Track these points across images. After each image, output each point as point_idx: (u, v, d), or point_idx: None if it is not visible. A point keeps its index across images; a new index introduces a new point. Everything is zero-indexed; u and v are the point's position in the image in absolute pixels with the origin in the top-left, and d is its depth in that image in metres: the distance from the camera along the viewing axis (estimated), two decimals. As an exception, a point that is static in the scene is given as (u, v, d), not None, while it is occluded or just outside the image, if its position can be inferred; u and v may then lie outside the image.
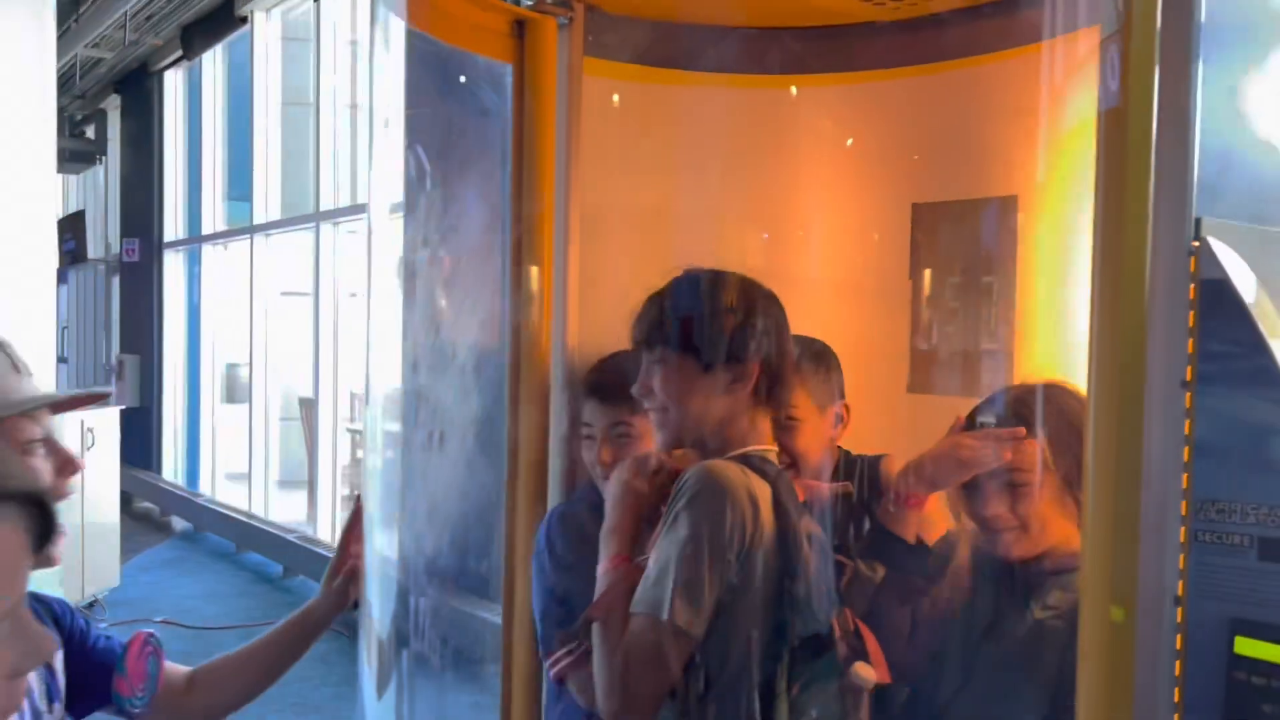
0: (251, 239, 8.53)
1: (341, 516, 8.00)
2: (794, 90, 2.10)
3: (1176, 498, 1.21)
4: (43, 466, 1.26)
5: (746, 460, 1.45)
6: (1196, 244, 1.21)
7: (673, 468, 1.50)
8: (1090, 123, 1.79)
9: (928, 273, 2.04)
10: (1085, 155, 1.81)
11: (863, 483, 1.69)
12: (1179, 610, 1.21)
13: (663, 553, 1.38)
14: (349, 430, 8.44)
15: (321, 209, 7.43)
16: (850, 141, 2.10)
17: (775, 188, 2.12)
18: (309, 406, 8.41)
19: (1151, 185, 1.19)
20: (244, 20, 8.49)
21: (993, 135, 1.95)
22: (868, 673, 1.31)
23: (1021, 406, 1.58)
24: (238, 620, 6.33)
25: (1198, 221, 1.21)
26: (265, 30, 8.49)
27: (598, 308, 1.99)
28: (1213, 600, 1.20)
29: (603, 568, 1.45)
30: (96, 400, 1.48)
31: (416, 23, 1.85)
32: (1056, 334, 1.87)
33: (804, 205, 2.13)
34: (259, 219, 8.60)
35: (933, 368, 2.04)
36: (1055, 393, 1.62)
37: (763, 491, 1.42)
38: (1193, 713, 1.20)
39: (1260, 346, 1.18)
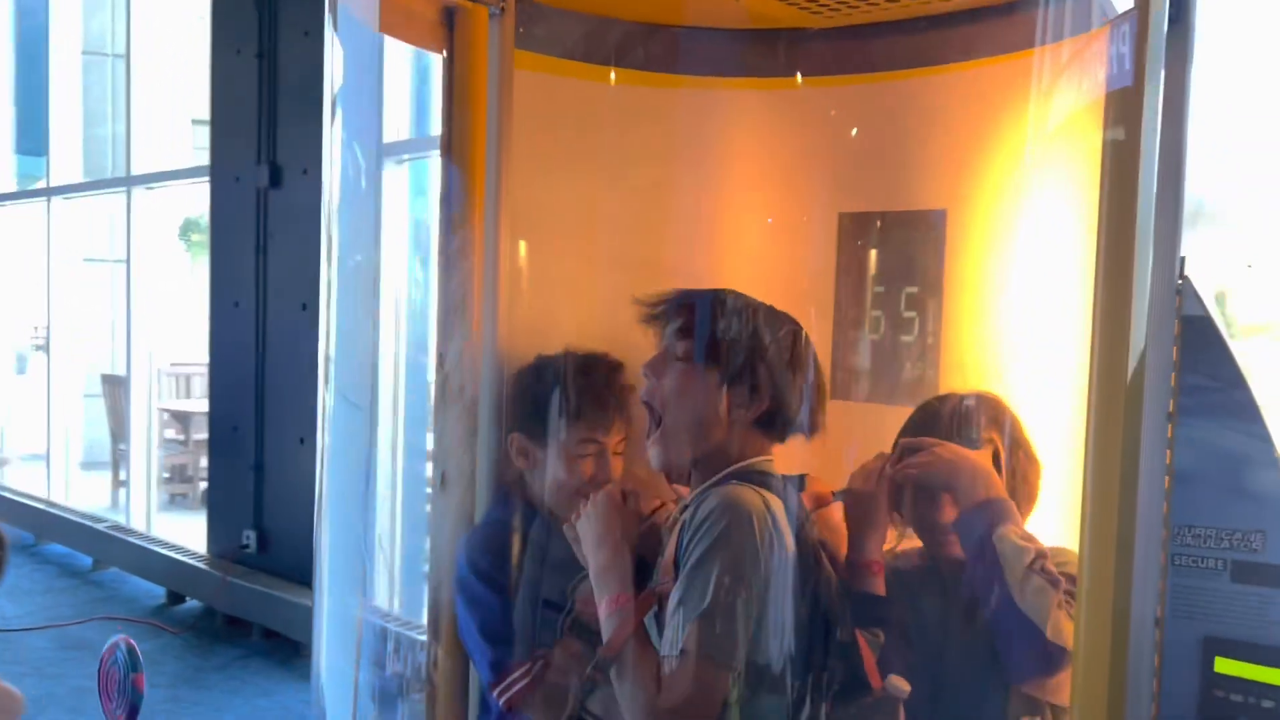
0: (49, 201, 7.79)
1: (159, 500, 7.51)
2: (724, 93, 2.07)
3: (1159, 523, 1.27)
4: None
5: (749, 476, 1.43)
6: (1181, 281, 1.27)
7: (645, 494, 1.47)
8: (1020, 142, 1.86)
9: (852, 281, 2.07)
10: (1014, 173, 1.89)
11: None
12: (1157, 631, 1.27)
13: (702, 592, 1.36)
14: (161, 410, 7.91)
15: (134, 172, 6.86)
16: (779, 147, 2.09)
17: (704, 189, 2.09)
18: (115, 384, 7.81)
19: (1152, 213, 1.24)
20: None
21: (923, 149, 1.98)
22: (902, 683, 1.32)
23: (980, 416, 1.65)
24: (44, 620, 5.84)
25: (1182, 260, 1.27)
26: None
27: (527, 308, 1.92)
28: (1188, 620, 1.27)
29: (606, 610, 1.40)
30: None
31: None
32: (980, 344, 1.94)
33: (732, 208, 2.11)
34: (57, 180, 7.87)
35: (854, 374, 2.07)
36: (998, 405, 1.69)
37: (777, 506, 1.41)
38: (1168, 726, 1.27)
39: (1238, 381, 1.25)
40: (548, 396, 1.75)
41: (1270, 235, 1.57)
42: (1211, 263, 1.30)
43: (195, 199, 10.65)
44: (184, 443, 8.20)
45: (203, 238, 10.44)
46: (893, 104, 2.00)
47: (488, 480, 1.84)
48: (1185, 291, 1.27)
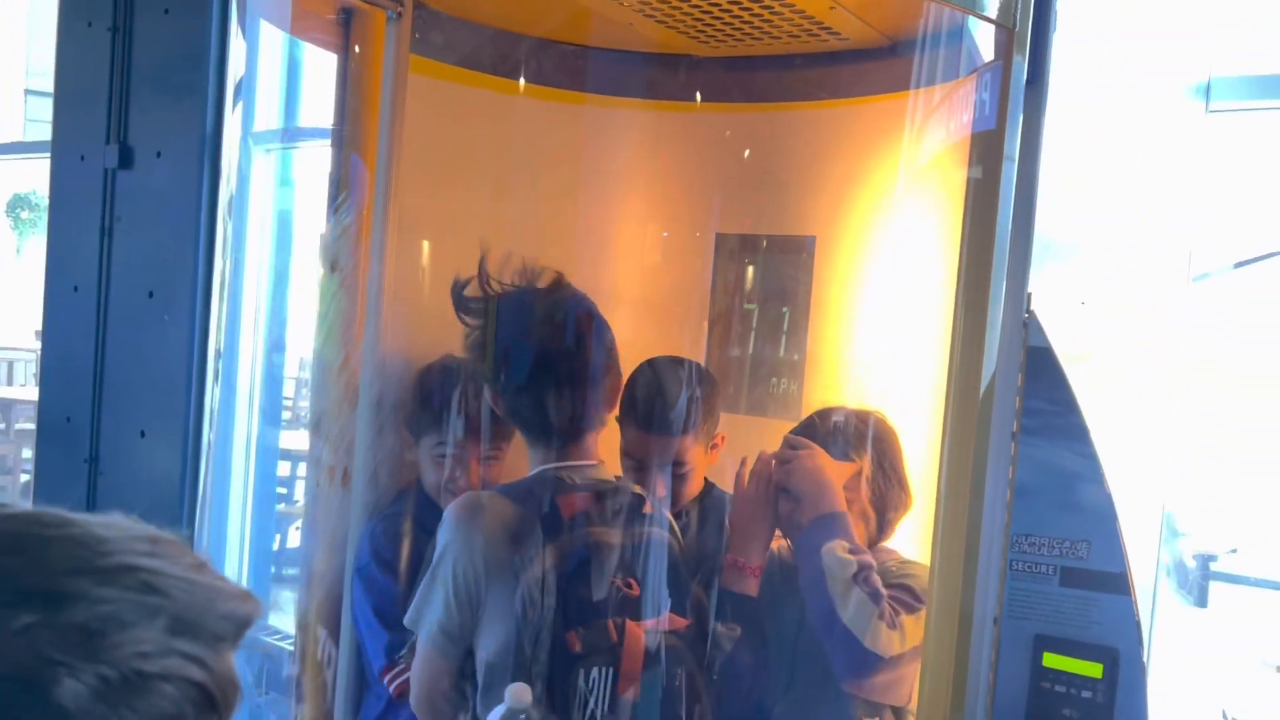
0: None
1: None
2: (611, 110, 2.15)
3: (1000, 533, 1.41)
4: None
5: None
6: (1028, 315, 1.41)
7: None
8: (890, 176, 2.01)
9: (727, 298, 2.18)
10: (883, 205, 2.03)
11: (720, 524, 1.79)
12: (996, 629, 1.41)
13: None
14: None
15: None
16: (657, 167, 2.18)
17: (594, 202, 2.16)
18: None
19: (1007, 249, 1.38)
20: None
21: (799, 177, 2.11)
22: (523, 693, 1.41)
23: (852, 433, 1.77)
24: None
25: (1029, 295, 1.42)
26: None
27: (412, 311, 1.94)
28: (1022, 620, 1.42)
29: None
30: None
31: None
32: (845, 363, 2.07)
33: (622, 221, 2.19)
34: None
35: (725, 388, 2.18)
36: (866, 420, 1.82)
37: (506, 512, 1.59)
38: (1001, 715, 1.41)
39: (1072, 406, 1.41)
40: (422, 401, 1.82)
41: (1102, 274, 1.75)
42: (1055, 297, 1.46)
43: (27, 175, 10.02)
44: (4, 431, 7.71)
45: (33, 215, 9.82)
46: (775, 133, 2.12)
47: (380, 475, 1.87)
48: (1031, 324, 1.41)
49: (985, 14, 1.31)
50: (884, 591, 1.56)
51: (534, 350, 1.68)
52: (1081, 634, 1.38)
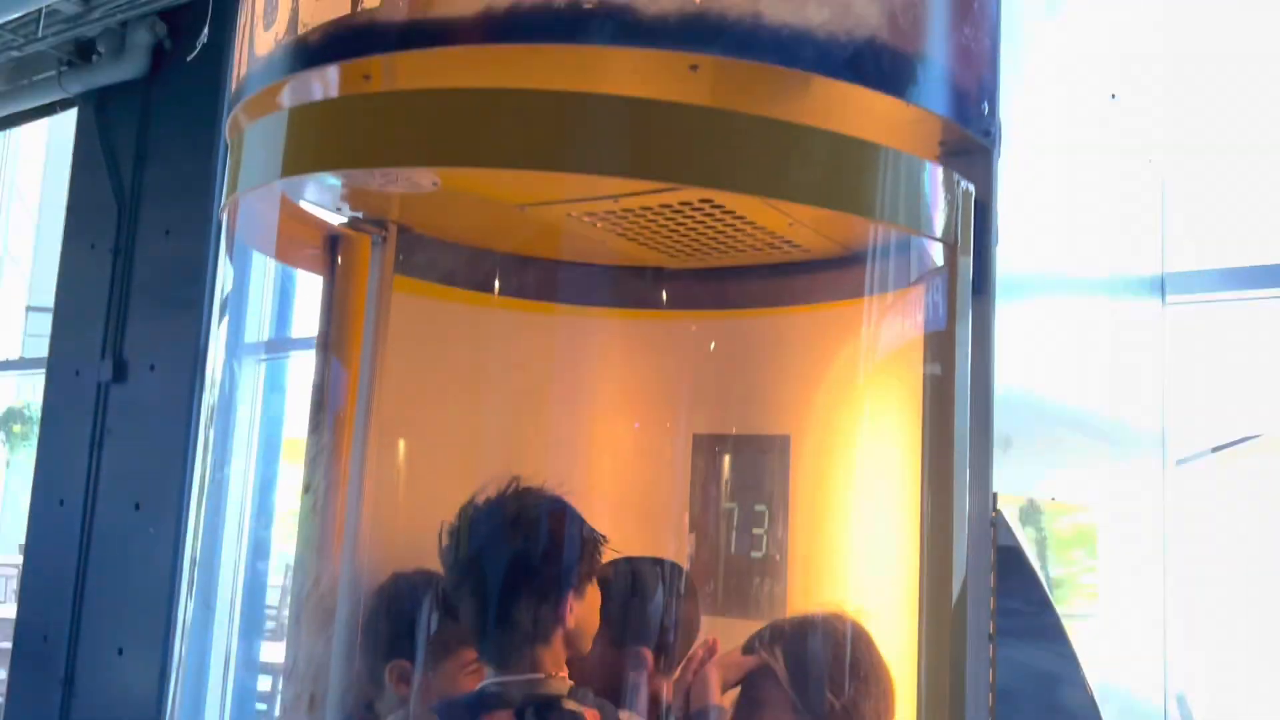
0: None
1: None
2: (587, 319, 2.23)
3: (985, 740, 1.38)
4: None
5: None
6: (995, 514, 1.43)
7: None
8: (856, 375, 2.06)
9: (705, 498, 2.19)
10: (850, 403, 2.08)
11: None
12: (990, 844, 1.36)
13: None
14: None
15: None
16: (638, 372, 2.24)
17: (567, 408, 2.20)
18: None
19: (967, 446, 1.41)
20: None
21: (769, 379, 2.17)
22: None
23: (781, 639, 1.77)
24: None
25: (994, 495, 1.44)
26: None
27: (393, 516, 1.95)
28: (1016, 833, 1.36)
29: None
30: None
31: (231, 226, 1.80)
32: (823, 562, 2.07)
33: (599, 425, 2.23)
34: None
35: (705, 588, 2.16)
36: (831, 623, 1.80)
37: None
38: None
39: (1046, 604, 1.40)
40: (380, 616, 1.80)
41: (1065, 465, 1.78)
42: (1019, 490, 1.48)
43: (22, 388, 10.13)
44: (-21, 652, 7.47)
45: (24, 429, 9.87)
46: (744, 337, 2.19)
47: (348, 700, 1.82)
48: (999, 523, 1.43)
49: (929, 233, 1.39)
50: None
51: (482, 557, 1.68)
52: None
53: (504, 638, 1.61)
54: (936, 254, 1.61)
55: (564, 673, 1.66)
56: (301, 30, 1.33)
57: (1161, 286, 2.75)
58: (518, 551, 1.72)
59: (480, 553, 1.73)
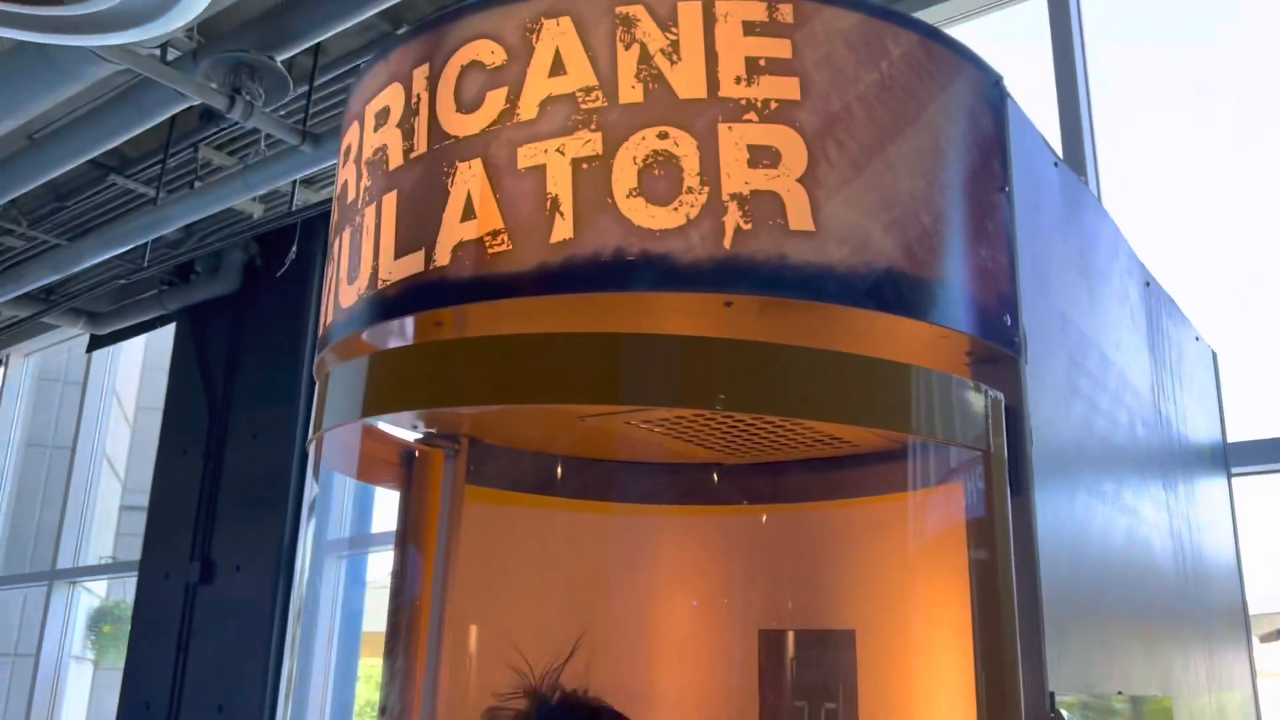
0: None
1: None
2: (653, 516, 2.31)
3: None
4: None
5: None
6: (1053, 715, 1.44)
7: None
8: (916, 566, 2.10)
9: (774, 695, 2.20)
10: (911, 594, 2.10)
11: None
12: None
13: None
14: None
15: (60, 565, 6.82)
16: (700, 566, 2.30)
17: (634, 605, 2.26)
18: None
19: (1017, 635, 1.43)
20: (-1, 361, 8.11)
21: (830, 572, 2.21)
22: None
23: None
24: None
25: (1052, 695, 1.45)
26: (20, 370, 8.12)
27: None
28: None
29: None
30: None
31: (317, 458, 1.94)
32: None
33: (661, 622, 2.28)
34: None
35: (781, 789, 2.14)
36: None
37: None
38: None
39: (1114, 807, 1.39)
40: None
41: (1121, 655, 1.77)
42: (1079, 696, 1.49)
43: (112, 588, 10.40)
44: None
45: (114, 629, 10.07)
46: (802, 530, 2.25)
47: None
48: (1058, 723, 1.44)
49: (963, 441, 1.47)
50: None
51: None
52: None
53: None
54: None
55: None
56: (380, 285, 1.50)
57: (1225, 458, 2.76)
58: None
59: None
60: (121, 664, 6.09)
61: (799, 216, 1.37)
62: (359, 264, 1.55)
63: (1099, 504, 1.77)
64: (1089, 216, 2.00)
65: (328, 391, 1.58)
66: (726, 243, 1.34)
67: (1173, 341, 2.39)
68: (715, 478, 2.30)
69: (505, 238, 1.39)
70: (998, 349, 1.52)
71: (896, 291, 1.38)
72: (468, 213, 1.43)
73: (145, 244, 5.37)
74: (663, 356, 1.34)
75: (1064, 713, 1.44)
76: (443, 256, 1.43)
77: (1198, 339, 2.67)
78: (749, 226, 1.36)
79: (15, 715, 6.91)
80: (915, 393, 1.42)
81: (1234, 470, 2.76)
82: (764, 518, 2.29)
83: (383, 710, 1.90)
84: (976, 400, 1.47)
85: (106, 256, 5.15)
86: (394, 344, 1.55)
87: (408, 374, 1.45)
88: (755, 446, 2.15)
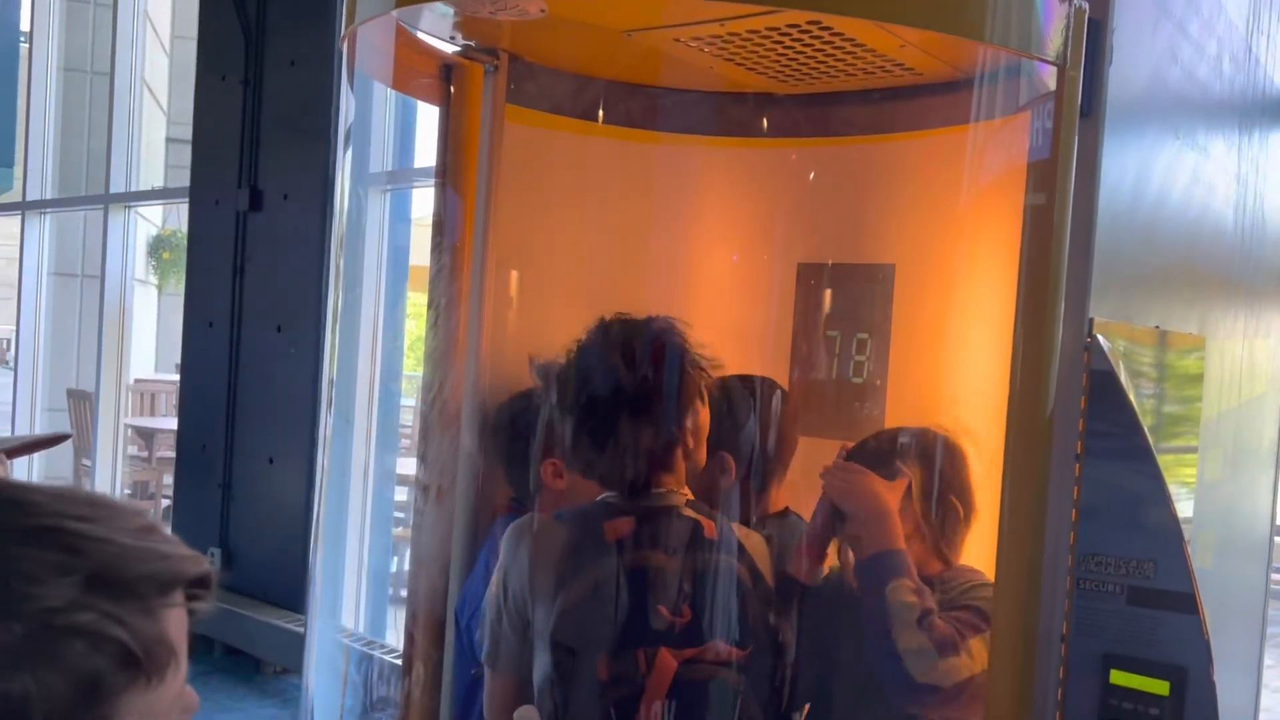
0: (24, 215, 7.84)
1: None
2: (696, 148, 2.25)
3: (1066, 551, 1.44)
4: None
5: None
6: (1090, 340, 1.45)
7: None
8: (961, 205, 2.05)
9: (808, 325, 2.24)
10: (955, 232, 2.07)
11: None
12: (1063, 646, 1.44)
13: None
14: (127, 425, 7.94)
15: (112, 190, 6.95)
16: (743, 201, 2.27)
17: (677, 235, 2.26)
18: (80, 399, 7.83)
19: (1064, 274, 1.42)
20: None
21: (875, 208, 2.17)
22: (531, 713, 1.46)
23: (900, 447, 1.82)
24: None
25: (1090, 321, 1.45)
26: (49, -10, 7.85)
27: (513, 340, 2.07)
28: (1089, 638, 1.44)
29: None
30: (56, 443, 1.41)
31: (351, 57, 1.87)
32: (921, 387, 2.11)
33: (703, 253, 2.28)
34: (31, 194, 7.93)
35: (809, 412, 2.24)
36: (927, 439, 1.86)
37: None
38: (1071, 732, 1.43)
39: (1136, 428, 1.43)
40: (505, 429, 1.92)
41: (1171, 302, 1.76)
42: (1119, 322, 1.48)
43: (167, 217, 10.68)
44: (147, 459, 8.22)
45: (173, 256, 10.48)
46: (850, 166, 2.18)
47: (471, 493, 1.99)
48: (1094, 349, 1.45)
49: (1039, 55, 1.36)
50: (949, 633, 1.57)
51: (597, 382, 1.77)
52: (1149, 652, 1.40)
53: (625, 455, 1.71)
54: (1049, 79, 1.57)
55: (684, 489, 1.76)
56: None
57: None
58: (639, 376, 1.79)
59: (602, 377, 1.79)
60: (182, 290, 6.37)
61: None
62: None
63: (1169, 138, 1.68)
64: None
65: (358, -17, 1.47)
66: None
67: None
68: (766, 108, 2.21)
69: None
70: (1089, -47, 1.37)
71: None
72: None
73: None
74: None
75: (1100, 338, 1.44)
76: None
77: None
78: None
79: (89, 332, 7.36)
80: (992, -5, 1.30)
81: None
82: (811, 151, 2.22)
83: (431, 301, 1.95)
84: (1058, 8, 1.34)
85: None
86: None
87: (441, -41, 1.34)
88: (810, 73, 2.04)
